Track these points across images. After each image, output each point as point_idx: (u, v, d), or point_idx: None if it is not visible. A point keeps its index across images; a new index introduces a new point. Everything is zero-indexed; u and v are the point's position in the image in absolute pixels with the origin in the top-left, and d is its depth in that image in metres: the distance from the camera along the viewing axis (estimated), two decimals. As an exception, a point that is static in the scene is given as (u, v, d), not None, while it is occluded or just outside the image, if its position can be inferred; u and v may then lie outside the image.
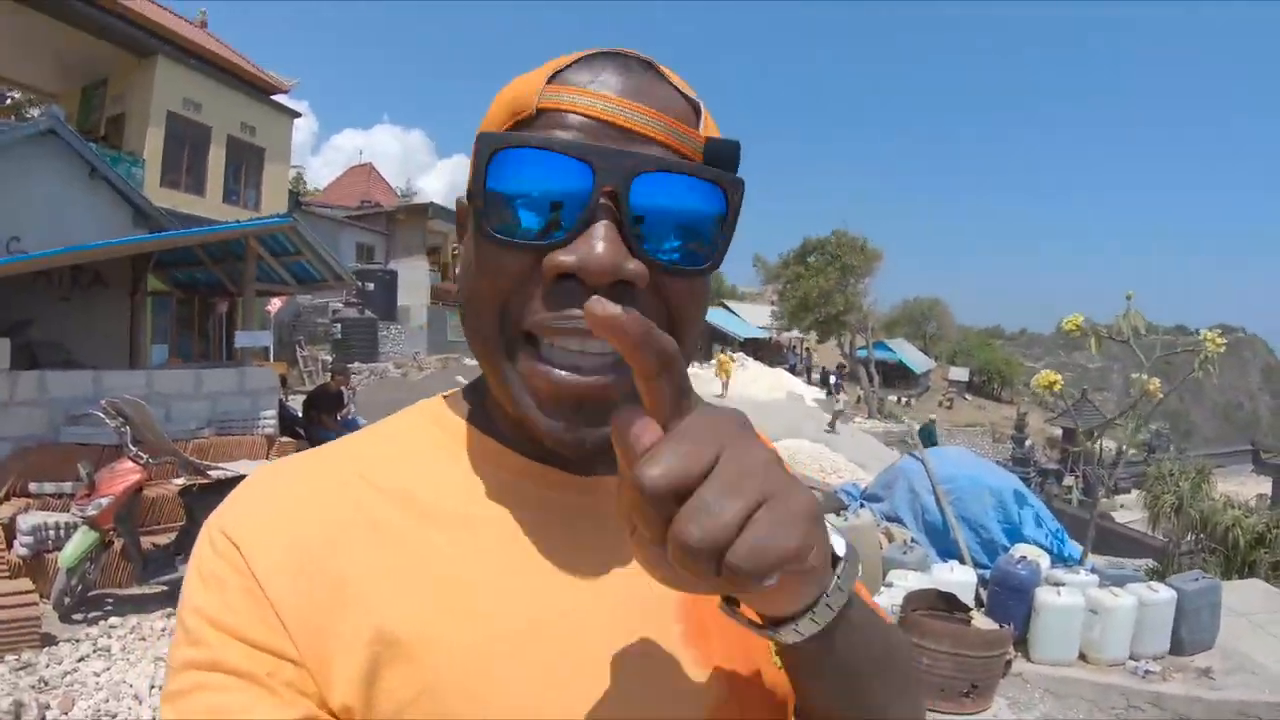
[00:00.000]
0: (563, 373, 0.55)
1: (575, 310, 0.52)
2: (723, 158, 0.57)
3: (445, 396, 0.70)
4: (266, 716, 0.50)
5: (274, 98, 22.08)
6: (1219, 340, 5.47)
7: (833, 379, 29.54)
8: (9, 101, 22.82)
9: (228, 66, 20.14)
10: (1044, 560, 5.95)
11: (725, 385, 27.09)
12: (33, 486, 6.54)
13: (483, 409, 0.67)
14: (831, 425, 23.43)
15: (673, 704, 0.59)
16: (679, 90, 0.59)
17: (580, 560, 0.60)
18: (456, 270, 0.64)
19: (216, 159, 19.81)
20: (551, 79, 0.56)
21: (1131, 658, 5.30)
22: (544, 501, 0.62)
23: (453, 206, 0.68)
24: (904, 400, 41.93)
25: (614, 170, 0.52)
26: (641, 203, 0.53)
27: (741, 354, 37.00)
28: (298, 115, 23.63)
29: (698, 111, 0.59)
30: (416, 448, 0.64)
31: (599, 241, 0.52)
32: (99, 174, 12.42)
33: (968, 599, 5.33)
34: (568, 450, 0.57)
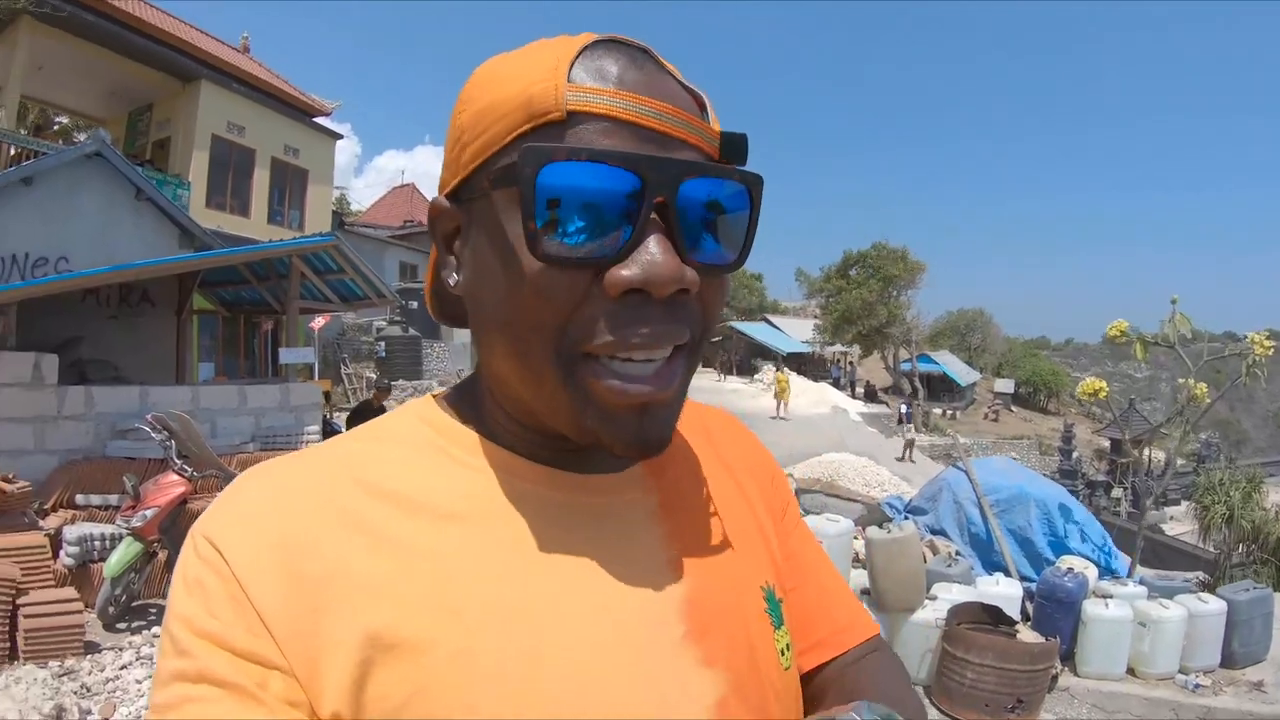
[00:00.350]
0: (636, 386, 0.55)
1: (640, 330, 0.54)
2: (736, 149, 0.58)
3: (434, 396, 0.69)
4: None
5: (316, 120, 22.44)
6: (1267, 344, 5.35)
7: (903, 409, 29.08)
8: (56, 126, 23.43)
9: (270, 90, 20.51)
10: (1091, 572, 5.83)
11: (784, 406, 26.38)
12: (79, 498, 6.67)
13: (475, 409, 0.66)
14: (906, 455, 23.13)
15: (675, 705, 0.58)
16: (681, 82, 0.59)
17: (578, 559, 0.59)
18: (452, 279, 0.62)
19: (261, 181, 20.15)
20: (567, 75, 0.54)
21: (1181, 671, 5.19)
22: (542, 500, 0.61)
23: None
24: (949, 413, 41.46)
25: (661, 178, 0.52)
26: (685, 207, 0.54)
27: (785, 368, 36.83)
28: (340, 137, 23.97)
29: (702, 104, 0.59)
30: (407, 448, 0.62)
31: (659, 254, 0.52)
32: (145, 195, 12.67)
33: (1013, 612, 5.25)
34: (635, 450, 0.57)
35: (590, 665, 0.55)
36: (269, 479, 0.59)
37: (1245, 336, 5.60)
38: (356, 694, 0.51)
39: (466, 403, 0.67)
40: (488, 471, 0.61)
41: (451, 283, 0.61)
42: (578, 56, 0.55)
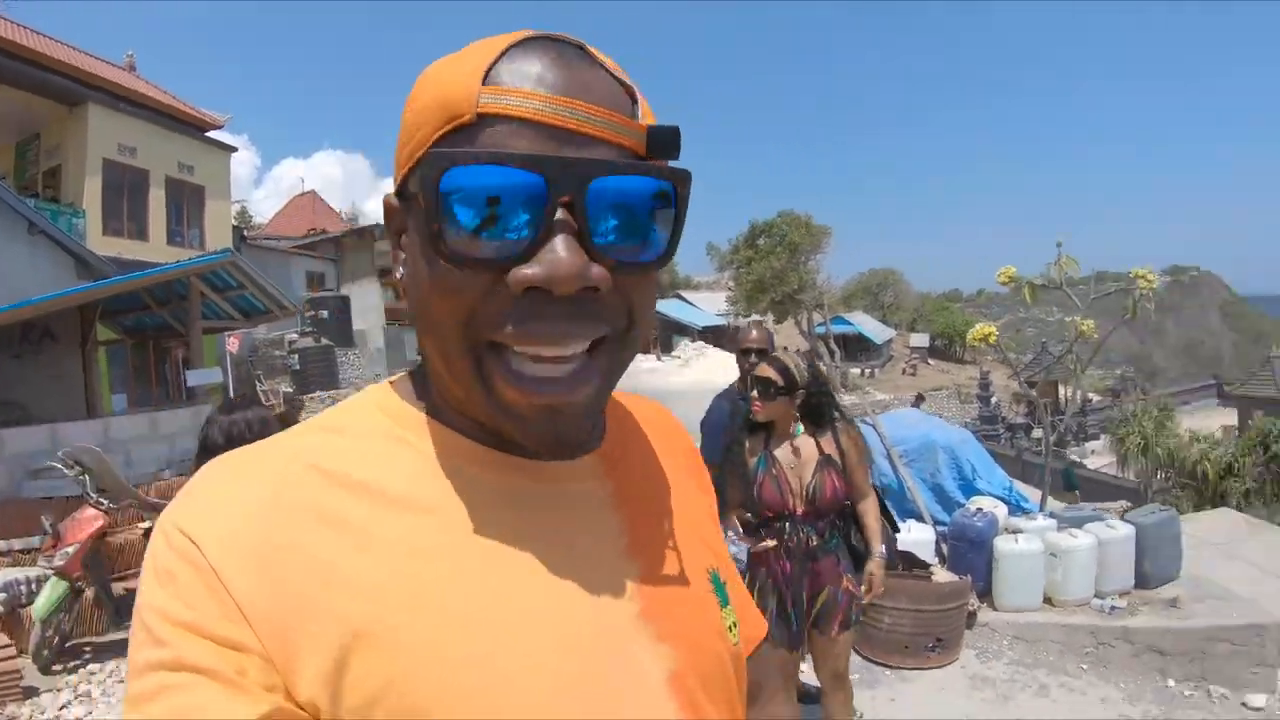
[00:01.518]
0: (544, 389, 0.56)
1: (544, 326, 0.55)
2: (665, 144, 0.57)
3: (391, 383, 0.70)
4: (234, 715, 0.49)
5: (209, 134, 21.86)
6: (1150, 277, 5.52)
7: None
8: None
9: (159, 108, 19.92)
10: (1001, 510, 5.98)
11: None
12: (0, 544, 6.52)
13: (428, 396, 0.67)
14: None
15: (633, 678, 0.60)
16: (614, 75, 0.58)
17: (537, 546, 0.61)
18: (398, 273, 0.64)
19: (157, 201, 19.56)
20: (485, 77, 0.54)
21: (1096, 596, 5.29)
22: (502, 488, 0.62)
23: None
24: (867, 372, 42.22)
25: (567, 178, 0.52)
26: (596, 206, 0.54)
27: (701, 342, 36.79)
28: (234, 150, 23.39)
29: (634, 98, 0.59)
30: (367, 438, 0.63)
31: (561, 252, 0.53)
32: (38, 229, 12.32)
33: (928, 556, 5.39)
34: (546, 449, 0.59)
35: (555, 650, 0.57)
36: (234, 471, 0.59)
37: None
38: (334, 682, 0.51)
39: (420, 389, 0.68)
40: (446, 459, 0.62)
41: (398, 276, 0.63)
42: (501, 56, 0.55)
